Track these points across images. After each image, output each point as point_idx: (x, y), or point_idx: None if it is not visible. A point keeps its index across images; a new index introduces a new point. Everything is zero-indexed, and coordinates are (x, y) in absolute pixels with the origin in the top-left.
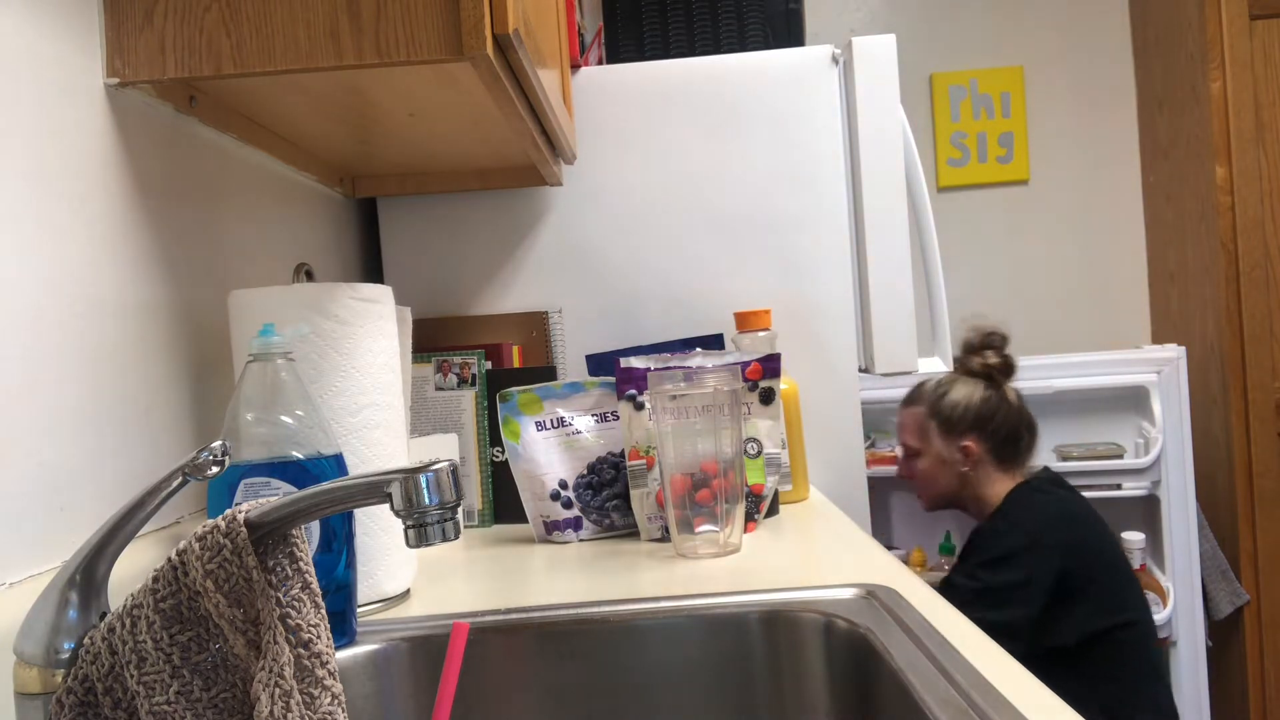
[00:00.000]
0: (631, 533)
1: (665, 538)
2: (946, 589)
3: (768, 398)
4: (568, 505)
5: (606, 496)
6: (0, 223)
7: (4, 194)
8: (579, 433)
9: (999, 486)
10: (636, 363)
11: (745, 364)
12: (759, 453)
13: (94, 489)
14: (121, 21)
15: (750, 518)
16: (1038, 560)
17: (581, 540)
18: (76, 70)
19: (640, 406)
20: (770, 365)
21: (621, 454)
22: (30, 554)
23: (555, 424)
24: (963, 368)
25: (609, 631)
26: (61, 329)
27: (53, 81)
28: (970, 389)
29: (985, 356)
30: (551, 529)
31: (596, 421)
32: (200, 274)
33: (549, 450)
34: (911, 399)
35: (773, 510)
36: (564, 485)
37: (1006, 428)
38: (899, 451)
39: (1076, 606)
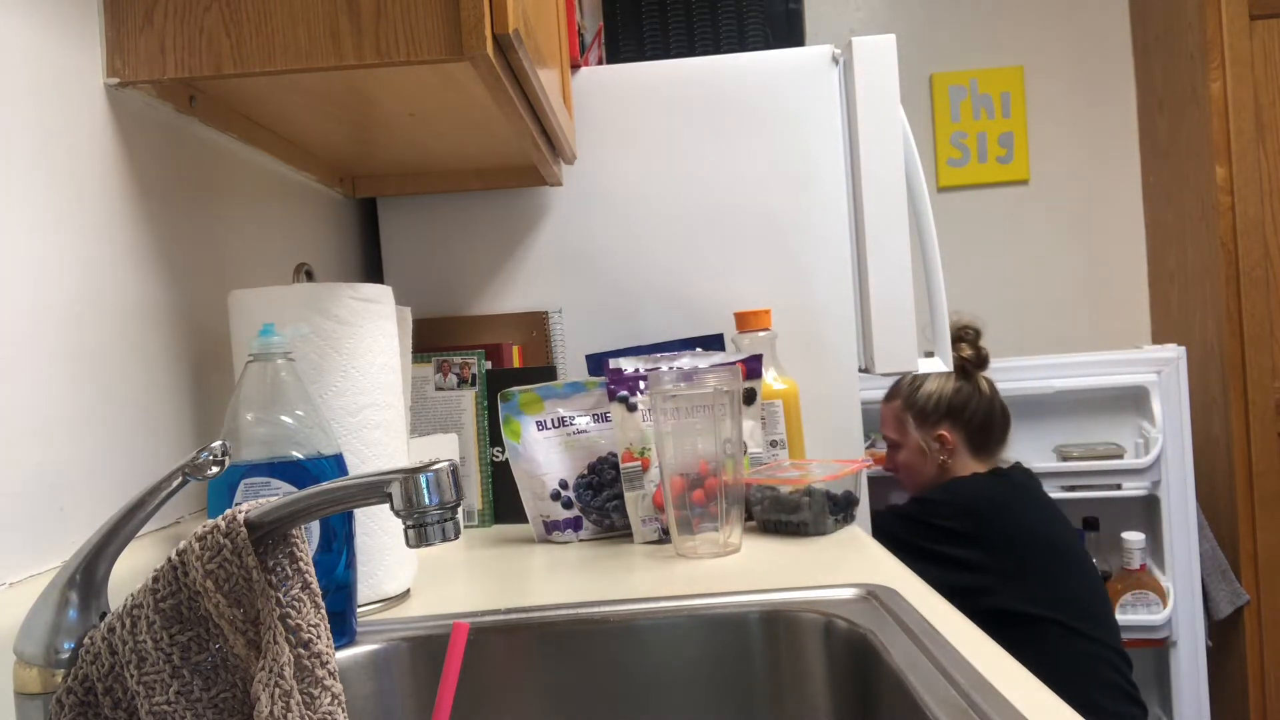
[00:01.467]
0: (631, 533)
1: (660, 540)
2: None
3: (750, 398)
4: (568, 505)
5: (607, 497)
6: (0, 222)
7: (4, 194)
8: (580, 432)
9: (972, 470)
10: (625, 364)
11: (730, 365)
12: (744, 453)
13: (94, 489)
14: (121, 21)
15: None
16: (984, 535)
17: (581, 540)
18: (76, 70)
19: (633, 408)
20: (753, 365)
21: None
22: (30, 554)
23: (556, 424)
24: None
25: (609, 631)
26: (61, 329)
27: (53, 81)
28: (943, 381)
29: (959, 349)
30: (551, 529)
31: (597, 421)
32: (200, 274)
33: (549, 450)
34: (890, 394)
35: None
36: (564, 485)
37: (979, 416)
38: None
39: (1008, 584)
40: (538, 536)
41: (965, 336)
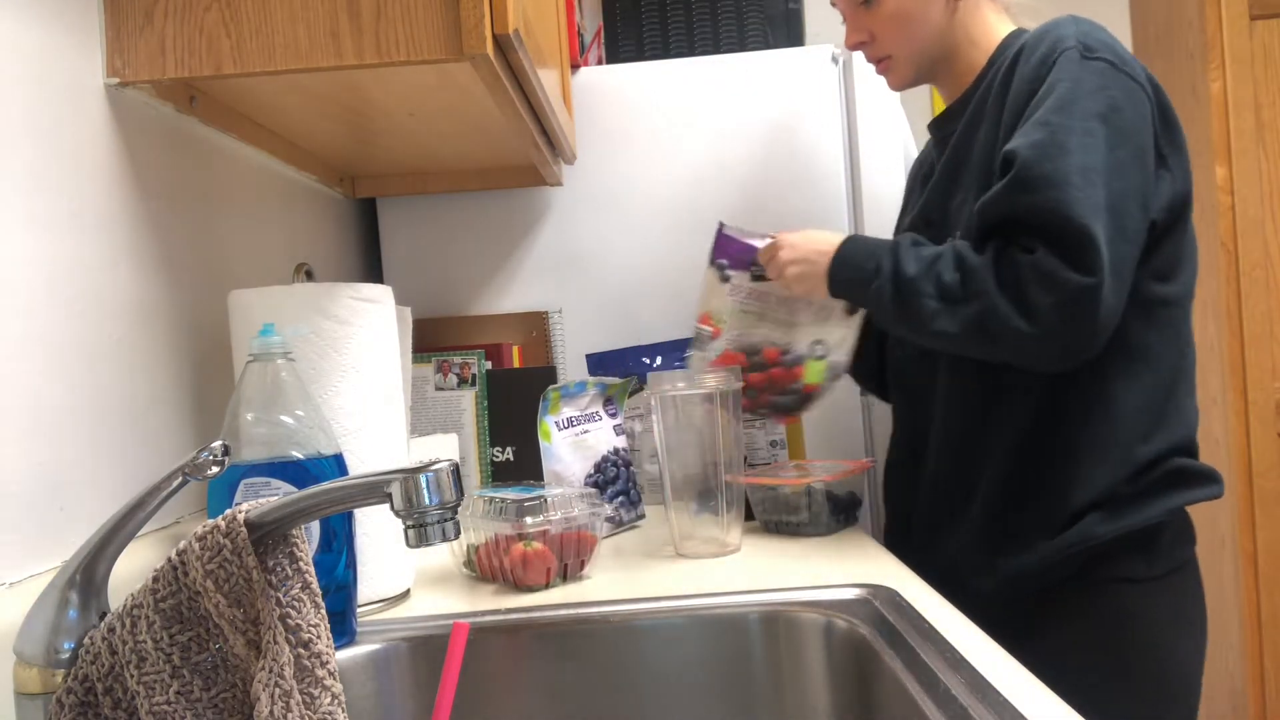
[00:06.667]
0: (633, 528)
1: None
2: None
3: (854, 308)
4: None
5: (610, 495)
6: (0, 222)
7: (4, 193)
8: (584, 432)
9: (993, 22)
10: (736, 236)
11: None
12: (824, 355)
13: (94, 489)
14: (121, 21)
15: (794, 411)
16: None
17: None
18: (76, 70)
19: (726, 279)
20: None
21: (621, 452)
22: (30, 554)
23: (566, 424)
24: None
25: (609, 631)
26: (61, 329)
27: (53, 81)
28: None
29: None
30: None
31: (597, 421)
32: (200, 274)
33: (568, 449)
34: None
35: None
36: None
37: None
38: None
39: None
40: None
41: None
